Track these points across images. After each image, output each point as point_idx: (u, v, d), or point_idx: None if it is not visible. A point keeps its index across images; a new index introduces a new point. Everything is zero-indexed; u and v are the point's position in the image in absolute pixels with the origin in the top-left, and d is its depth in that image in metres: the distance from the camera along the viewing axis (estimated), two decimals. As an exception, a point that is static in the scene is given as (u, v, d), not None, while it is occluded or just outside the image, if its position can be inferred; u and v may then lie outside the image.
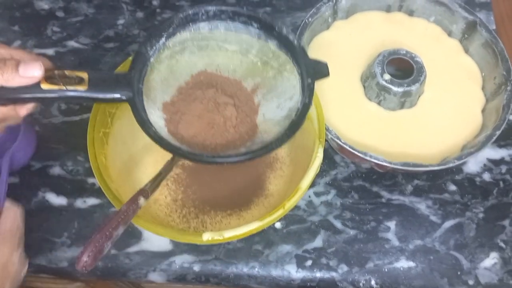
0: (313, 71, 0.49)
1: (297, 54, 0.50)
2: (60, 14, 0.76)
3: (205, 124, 0.49)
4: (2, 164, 0.56)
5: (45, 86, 0.41)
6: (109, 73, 0.46)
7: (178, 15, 0.48)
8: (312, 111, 0.54)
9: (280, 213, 0.48)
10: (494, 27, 0.75)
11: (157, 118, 0.48)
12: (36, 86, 0.40)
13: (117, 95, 0.43)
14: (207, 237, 0.47)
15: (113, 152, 0.55)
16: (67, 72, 0.42)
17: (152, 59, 0.48)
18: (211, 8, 0.49)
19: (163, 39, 0.48)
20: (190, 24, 0.50)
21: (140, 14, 0.76)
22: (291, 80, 0.50)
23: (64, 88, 0.41)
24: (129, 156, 0.58)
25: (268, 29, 0.50)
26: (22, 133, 0.59)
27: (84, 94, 0.42)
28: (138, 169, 0.59)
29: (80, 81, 0.42)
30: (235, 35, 0.51)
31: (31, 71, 0.39)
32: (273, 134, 0.49)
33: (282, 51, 0.51)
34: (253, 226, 0.47)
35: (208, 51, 0.52)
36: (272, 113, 0.51)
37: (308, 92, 0.48)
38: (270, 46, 0.51)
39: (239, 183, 0.60)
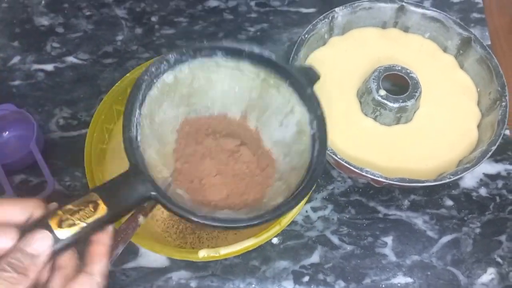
0: (305, 79, 0.48)
1: (280, 68, 0.47)
2: (59, 30, 0.77)
3: (232, 179, 0.46)
4: (32, 149, 0.61)
5: (61, 233, 0.32)
6: (117, 179, 0.38)
7: (136, 86, 0.43)
8: None
9: (276, 229, 0.48)
10: (489, 42, 0.75)
11: (179, 197, 0.43)
12: (53, 239, 0.32)
13: (145, 196, 0.37)
14: (203, 254, 0.47)
15: (110, 168, 0.55)
16: (73, 206, 0.34)
17: (139, 138, 0.41)
18: (171, 56, 0.46)
19: (137, 114, 0.42)
20: (153, 83, 0.45)
21: (139, 30, 0.77)
22: (282, 94, 0.48)
23: (84, 224, 0.33)
24: (126, 172, 0.59)
25: (237, 54, 0.47)
26: (36, 128, 0.62)
27: (109, 217, 0.35)
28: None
29: (94, 205, 0.35)
30: (202, 69, 0.48)
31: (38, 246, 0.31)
32: (298, 155, 0.46)
33: (259, 68, 0.48)
34: (249, 243, 0.47)
35: (175, 97, 0.48)
36: (278, 133, 0.49)
37: (315, 102, 0.47)
38: (244, 67, 0.48)
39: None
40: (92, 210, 0.34)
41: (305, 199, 0.45)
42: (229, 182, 0.46)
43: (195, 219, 0.38)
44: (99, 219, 0.34)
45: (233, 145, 0.48)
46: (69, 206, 0.33)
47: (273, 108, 0.50)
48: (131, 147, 0.40)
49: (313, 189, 0.44)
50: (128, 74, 0.58)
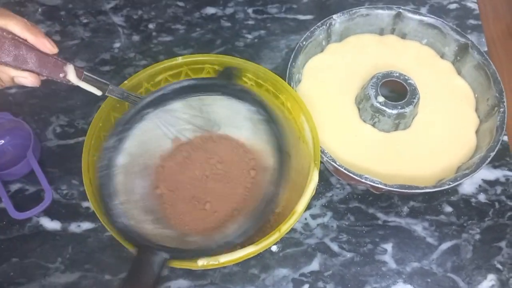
0: (229, 79, 0.54)
1: (205, 86, 0.53)
2: (56, 37, 0.76)
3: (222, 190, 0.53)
4: (29, 158, 0.61)
5: None
6: (133, 266, 0.44)
7: (100, 185, 0.48)
8: (307, 133, 0.55)
9: (275, 237, 0.48)
10: (485, 49, 0.76)
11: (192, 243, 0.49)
12: None
13: (162, 264, 0.44)
14: (202, 262, 0.46)
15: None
16: None
17: (130, 223, 0.47)
18: (112, 141, 0.50)
19: (114, 207, 0.47)
20: (112, 173, 0.49)
21: (136, 38, 0.77)
22: (221, 105, 0.54)
23: None
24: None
25: (162, 100, 0.53)
26: (33, 137, 0.62)
27: None
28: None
29: None
30: (144, 132, 0.53)
31: None
32: (265, 143, 0.52)
33: (188, 98, 0.54)
34: (248, 251, 0.47)
35: (140, 168, 0.53)
36: (242, 136, 0.55)
37: (247, 92, 0.52)
38: (176, 107, 0.54)
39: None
40: None
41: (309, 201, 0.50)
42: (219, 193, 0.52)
43: (212, 251, 0.45)
44: None
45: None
46: None
47: (225, 120, 0.55)
48: (127, 235, 0.45)
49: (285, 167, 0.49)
50: (125, 82, 0.57)
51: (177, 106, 0.54)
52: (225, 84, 0.53)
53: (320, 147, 0.56)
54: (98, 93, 0.49)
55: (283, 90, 0.58)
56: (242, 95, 0.52)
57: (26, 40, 0.42)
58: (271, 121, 0.51)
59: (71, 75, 0.45)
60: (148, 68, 0.59)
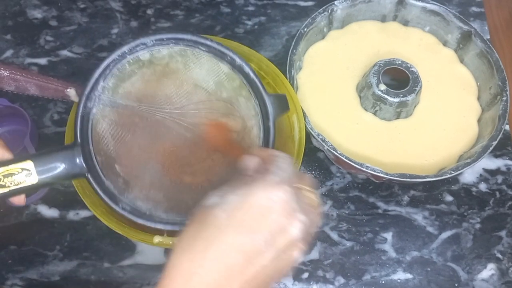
0: (273, 108, 0.47)
1: (254, 86, 0.48)
2: (53, 23, 0.75)
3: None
4: (26, 145, 0.59)
5: None
6: (54, 149, 0.40)
7: (114, 55, 0.46)
8: (296, 133, 0.53)
9: None
10: (488, 36, 0.75)
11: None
12: None
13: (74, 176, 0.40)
14: (157, 239, 0.46)
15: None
16: (8, 169, 0.37)
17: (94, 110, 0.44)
18: (149, 40, 0.46)
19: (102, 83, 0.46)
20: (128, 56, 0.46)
21: (134, 23, 0.75)
22: (248, 107, 0.48)
23: (14, 187, 0.37)
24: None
25: (219, 55, 0.48)
26: (31, 123, 0.61)
27: (37, 186, 0.38)
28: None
29: (27, 173, 0.37)
30: (182, 57, 0.48)
31: None
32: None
33: (236, 76, 0.48)
34: None
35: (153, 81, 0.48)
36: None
37: (267, 134, 0.47)
38: (222, 68, 0.49)
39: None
40: (24, 178, 0.37)
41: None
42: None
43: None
44: (27, 187, 0.37)
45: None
46: (6, 168, 0.37)
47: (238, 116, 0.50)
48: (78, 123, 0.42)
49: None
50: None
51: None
52: (268, 109, 0.48)
53: (321, 135, 0.55)
54: None
55: (281, 86, 0.57)
56: (265, 131, 0.48)
57: (22, 74, 0.43)
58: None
59: (73, 98, 0.46)
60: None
